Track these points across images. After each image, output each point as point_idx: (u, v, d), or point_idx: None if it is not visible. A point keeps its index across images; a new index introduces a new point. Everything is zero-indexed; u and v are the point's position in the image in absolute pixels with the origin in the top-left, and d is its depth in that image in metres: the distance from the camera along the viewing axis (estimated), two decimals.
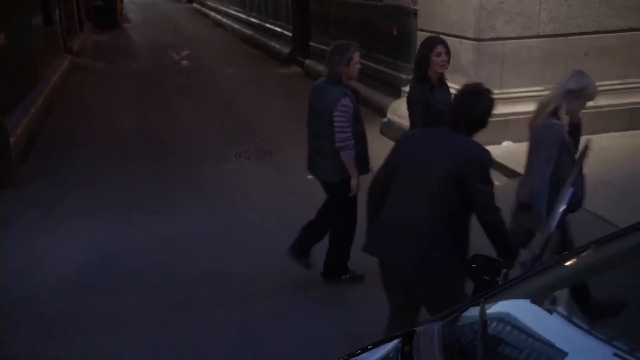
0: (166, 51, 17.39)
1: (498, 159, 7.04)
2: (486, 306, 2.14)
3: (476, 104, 3.11)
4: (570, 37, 7.46)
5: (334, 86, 4.30)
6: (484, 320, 2.00)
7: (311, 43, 13.28)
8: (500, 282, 2.41)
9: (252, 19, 19.00)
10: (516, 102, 7.28)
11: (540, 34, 7.37)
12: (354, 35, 10.42)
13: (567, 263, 2.44)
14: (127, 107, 10.98)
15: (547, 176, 3.56)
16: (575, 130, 3.72)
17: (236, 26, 21.06)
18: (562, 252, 3.14)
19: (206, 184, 6.96)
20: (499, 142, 7.09)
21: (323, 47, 12.47)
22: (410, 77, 8.52)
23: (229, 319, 4.28)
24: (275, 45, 15.94)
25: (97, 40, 19.42)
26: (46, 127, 9.40)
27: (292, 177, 6.86)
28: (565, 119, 3.61)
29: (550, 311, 2.16)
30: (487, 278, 2.45)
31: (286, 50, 15.03)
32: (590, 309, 2.19)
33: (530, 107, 7.56)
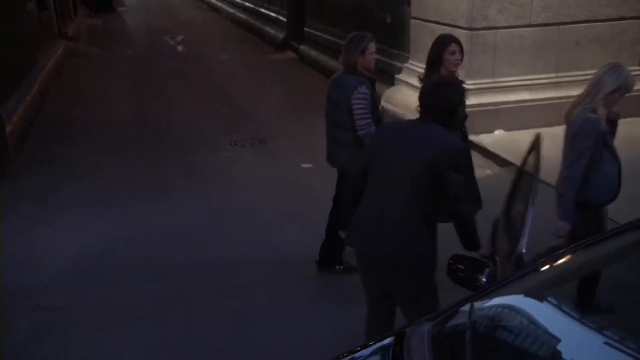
0: (161, 36, 17.34)
1: (490, 148, 7.14)
2: (475, 306, 2.16)
3: (445, 95, 3.13)
4: (562, 26, 7.51)
5: (350, 75, 4.38)
6: (473, 320, 2.03)
7: (306, 29, 13.27)
8: (484, 281, 2.42)
9: (247, 3, 18.91)
10: (508, 91, 7.35)
11: (532, 23, 7.41)
12: (348, 22, 10.44)
13: (555, 263, 2.43)
14: (122, 93, 11.00)
15: (581, 169, 3.63)
16: (613, 123, 3.76)
17: (231, 10, 20.98)
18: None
19: (202, 172, 7.02)
20: (491, 131, 7.10)
21: (317, 33, 12.50)
22: (404, 64, 8.63)
23: (224, 311, 4.35)
24: (270, 30, 15.90)
25: (91, 24, 19.30)
26: (41, 115, 9.41)
27: (287, 165, 6.94)
28: (602, 111, 3.63)
29: (542, 310, 2.16)
30: (469, 278, 2.47)
31: (281, 35, 15.01)
32: (584, 306, 2.22)
33: (522, 95, 7.77)
